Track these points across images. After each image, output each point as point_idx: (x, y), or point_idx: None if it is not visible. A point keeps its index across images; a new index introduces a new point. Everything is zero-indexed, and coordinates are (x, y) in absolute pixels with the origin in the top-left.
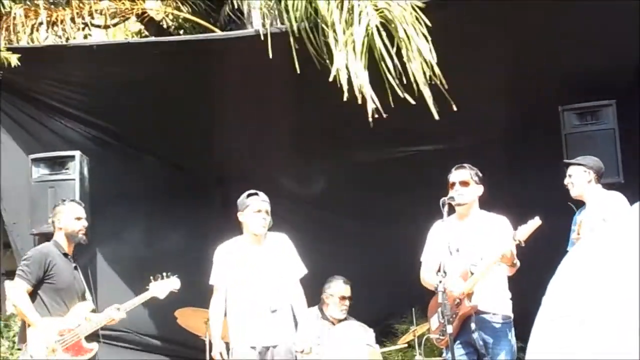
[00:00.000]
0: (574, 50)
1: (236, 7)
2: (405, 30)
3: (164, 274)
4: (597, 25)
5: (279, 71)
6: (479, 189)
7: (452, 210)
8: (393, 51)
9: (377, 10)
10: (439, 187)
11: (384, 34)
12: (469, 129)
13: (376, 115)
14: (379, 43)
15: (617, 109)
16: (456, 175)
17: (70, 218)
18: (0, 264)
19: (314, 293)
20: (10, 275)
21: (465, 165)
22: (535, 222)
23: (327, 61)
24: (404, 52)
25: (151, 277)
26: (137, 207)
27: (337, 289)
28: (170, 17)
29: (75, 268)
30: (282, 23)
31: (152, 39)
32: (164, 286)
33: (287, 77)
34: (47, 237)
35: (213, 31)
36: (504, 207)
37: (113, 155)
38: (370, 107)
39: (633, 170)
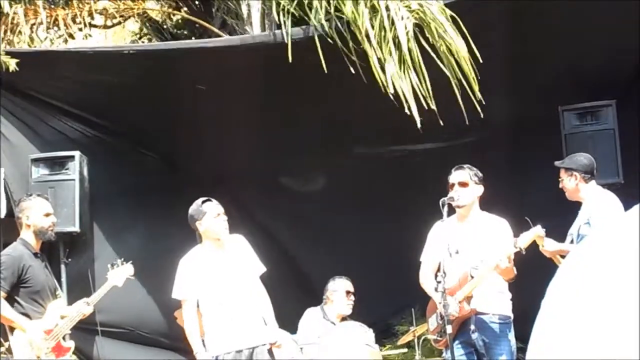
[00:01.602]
0: (574, 50)
1: (232, 7)
2: (439, 31)
3: (119, 261)
4: (597, 25)
5: (279, 72)
6: (479, 189)
7: (452, 210)
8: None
9: (411, 12)
10: (439, 187)
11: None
12: (469, 128)
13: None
14: (413, 46)
15: (617, 109)
16: (455, 176)
17: (39, 214)
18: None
19: (314, 293)
20: None
21: (464, 166)
22: (536, 230)
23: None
24: (441, 53)
25: (108, 266)
26: (137, 207)
27: (342, 284)
28: (170, 17)
29: (46, 266)
30: (281, 24)
31: (156, 44)
32: (120, 273)
33: (287, 78)
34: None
35: (212, 30)
36: (503, 208)
37: (113, 154)
38: (416, 116)
39: (633, 170)
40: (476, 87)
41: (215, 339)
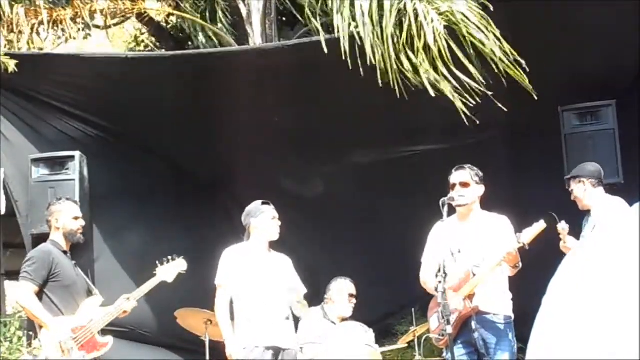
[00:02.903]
0: (574, 51)
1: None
2: (471, 31)
3: (170, 257)
4: (597, 26)
5: (281, 75)
6: (480, 189)
7: (452, 210)
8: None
9: (440, 14)
10: (439, 187)
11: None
12: (470, 129)
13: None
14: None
15: (617, 109)
16: (456, 176)
17: (69, 217)
18: (0, 264)
19: (314, 293)
20: (10, 275)
21: (465, 166)
22: (540, 225)
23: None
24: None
25: (157, 262)
26: (138, 208)
27: (345, 286)
28: (171, 17)
29: (75, 265)
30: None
31: (163, 53)
32: (171, 269)
33: (290, 80)
34: (46, 237)
35: (213, 31)
36: (504, 208)
37: (114, 155)
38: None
39: (633, 171)
40: (525, 80)
41: (246, 332)
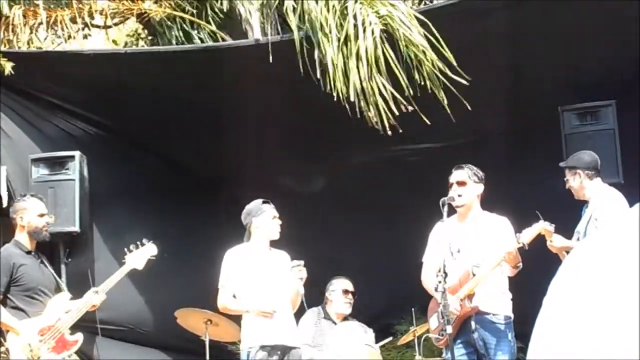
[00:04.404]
0: (574, 51)
1: (226, 9)
2: (408, 37)
3: (138, 242)
4: (597, 26)
5: (279, 73)
6: (479, 188)
7: (452, 210)
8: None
9: (379, 17)
10: (439, 187)
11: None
12: (469, 129)
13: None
14: (380, 52)
15: (617, 109)
16: (454, 175)
17: (34, 215)
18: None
19: (314, 293)
20: None
21: (463, 165)
22: (539, 226)
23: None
24: (410, 57)
25: (125, 249)
26: (138, 207)
27: (339, 283)
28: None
29: (42, 262)
30: (281, 28)
31: (152, 48)
32: (140, 255)
33: (287, 78)
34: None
35: (213, 31)
36: (504, 207)
37: (114, 154)
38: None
39: (633, 170)
40: (462, 90)
41: (252, 333)
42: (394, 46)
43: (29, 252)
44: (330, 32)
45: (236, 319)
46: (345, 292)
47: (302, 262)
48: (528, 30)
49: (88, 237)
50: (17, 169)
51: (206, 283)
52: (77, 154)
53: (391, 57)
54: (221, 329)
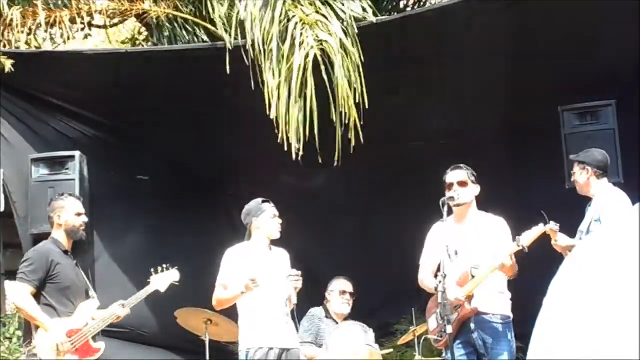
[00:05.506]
0: (574, 50)
1: (226, 9)
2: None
3: (164, 266)
4: (597, 25)
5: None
6: (476, 189)
7: (450, 211)
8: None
9: (318, 41)
10: (438, 187)
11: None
12: (469, 129)
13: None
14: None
15: (617, 109)
16: (454, 175)
17: (71, 214)
18: (0, 264)
19: (315, 293)
20: (10, 275)
21: (461, 165)
22: (539, 229)
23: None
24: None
25: (152, 270)
26: (138, 207)
27: (337, 284)
28: (169, 16)
29: (76, 265)
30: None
31: (152, 48)
32: (164, 279)
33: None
34: (46, 237)
35: (214, 31)
36: (503, 208)
37: (113, 154)
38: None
39: (633, 170)
40: (359, 122)
41: (250, 333)
42: (328, 71)
43: (65, 252)
44: (270, 47)
45: (236, 319)
46: (343, 292)
47: (299, 273)
48: (528, 30)
49: (88, 238)
50: (15, 171)
51: (207, 283)
52: (77, 154)
53: (319, 82)
54: (221, 329)
